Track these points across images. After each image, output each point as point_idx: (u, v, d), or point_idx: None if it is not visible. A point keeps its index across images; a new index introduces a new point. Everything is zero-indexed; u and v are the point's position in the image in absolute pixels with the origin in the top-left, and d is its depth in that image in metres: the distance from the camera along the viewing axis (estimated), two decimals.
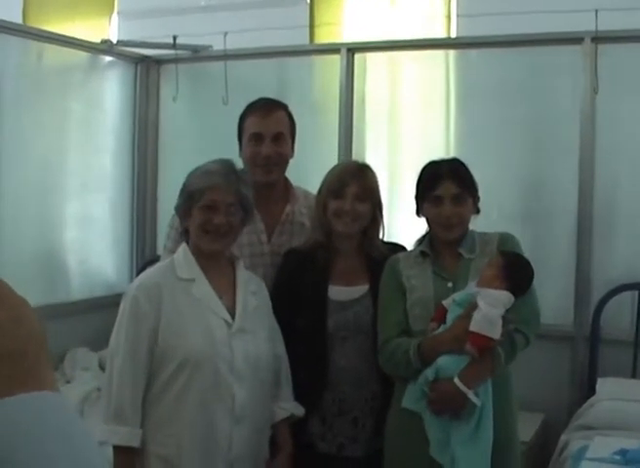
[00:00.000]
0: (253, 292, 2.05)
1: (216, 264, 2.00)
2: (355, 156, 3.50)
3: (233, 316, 1.97)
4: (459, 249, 2.06)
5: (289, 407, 2.11)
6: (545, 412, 3.15)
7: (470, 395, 1.86)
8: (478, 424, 1.88)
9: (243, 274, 2.07)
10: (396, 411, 2.03)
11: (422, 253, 2.09)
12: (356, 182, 2.15)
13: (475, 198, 2.09)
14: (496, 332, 1.85)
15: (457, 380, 1.87)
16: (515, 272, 1.93)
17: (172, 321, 1.90)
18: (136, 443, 1.88)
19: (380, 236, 2.27)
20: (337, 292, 2.19)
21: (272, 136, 2.22)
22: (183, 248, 2.01)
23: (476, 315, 1.85)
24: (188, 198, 1.96)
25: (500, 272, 1.91)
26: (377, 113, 3.61)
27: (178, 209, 2.03)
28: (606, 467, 2.29)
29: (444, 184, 2.02)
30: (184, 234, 2.04)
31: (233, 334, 1.95)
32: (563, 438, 2.75)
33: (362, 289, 2.20)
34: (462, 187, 2.03)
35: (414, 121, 3.56)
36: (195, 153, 3.59)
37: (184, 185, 2.01)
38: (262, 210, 2.26)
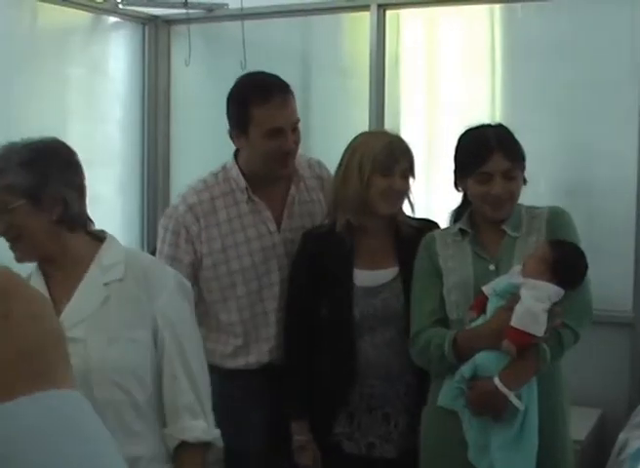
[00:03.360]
0: (106, 282, 1.70)
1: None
2: (388, 125, 3.49)
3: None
4: (503, 226, 2.03)
5: (193, 430, 1.71)
6: (603, 408, 3.15)
7: (512, 397, 1.85)
8: (521, 428, 1.87)
9: (95, 267, 1.72)
10: (432, 409, 2.03)
11: (461, 231, 2.07)
12: (405, 158, 2.15)
13: (523, 168, 2.06)
14: (539, 329, 1.83)
15: (497, 380, 1.85)
16: (567, 267, 1.91)
17: None
18: None
19: (410, 212, 2.28)
20: (363, 276, 2.18)
21: (292, 127, 2.22)
22: None
23: (518, 309, 1.84)
24: None
25: (549, 266, 1.88)
26: (412, 77, 3.60)
27: None
28: None
29: (493, 159, 1.97)
30: None
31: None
32: (622, 436, 2.69)
33: (391, 272, 2.19)
34: (513, 160, 2.00)
35: (454, 85, 3.53)
36: (210, 123, 3.68)
37: None
38: (265, 195, 2.27)
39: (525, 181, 2.05)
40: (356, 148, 2.17)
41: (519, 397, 1.86)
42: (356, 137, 2.24)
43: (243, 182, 2.26)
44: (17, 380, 0.49)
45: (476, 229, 2.06)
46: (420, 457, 2.09)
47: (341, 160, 2.20)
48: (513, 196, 2.01)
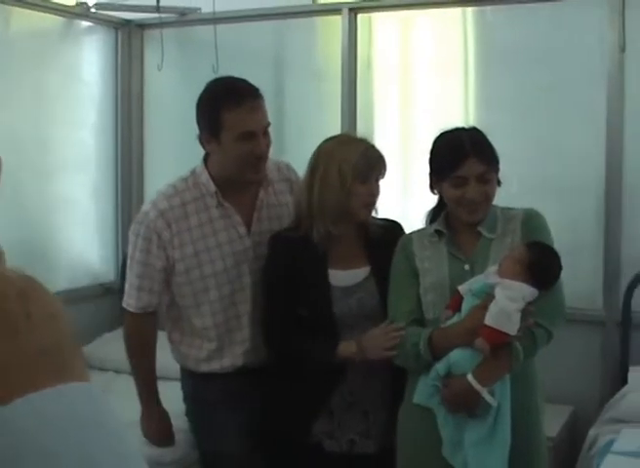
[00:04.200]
0: None
1: None
2: (361, 128, 3.53)
3: None
4: (479, 227, 2.05)
5: None
6: (574, 405, 3.21)
7: (485, 394, 1.87)
8: (494, 425, 1.90)
9: None
10: (408, 406, 2.05)
11: (438, 232, 2.08)
12: (380, 165, 2.19)
13: (498, 171, 2.08)
14: (512, 328, 1.85)
15: (470, 377, 1.88)
16: (542, 268, 1.93)
17: None
18: None
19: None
20: (337, 277, 2.20)
21: (263, 131, 2.23)
22: None
23: (492, 308, 1.86)
24: None
25: (524, 267, 1.90)
26: (385, 80, 3.62)
27: None
28: (632, 461, 2.35)
29: (468, 163, 1.98)
30: None
31: None
32: (592, 432, 2.79)
33: (363, 271, 2.22)
34: (488, 164, 2.01)
35: (427, 88, 3.56)
36: (184, 127, 3.56)
37: None
38: (234, 200, 2.29)
39: (499, 183, 2.06)
40: (331, 157, 2.16)
41: (492, 394, 1.88)
42: (322, 145, 2.24)
43: (212, 187, 2.27)
44: (40, 374, 0.52)
45: (452, 230, 2.08)
46: (397, 454, 2.11)
47: (313, 167, 2.19)
48: (488, 199, 2.03)
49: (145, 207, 2.33)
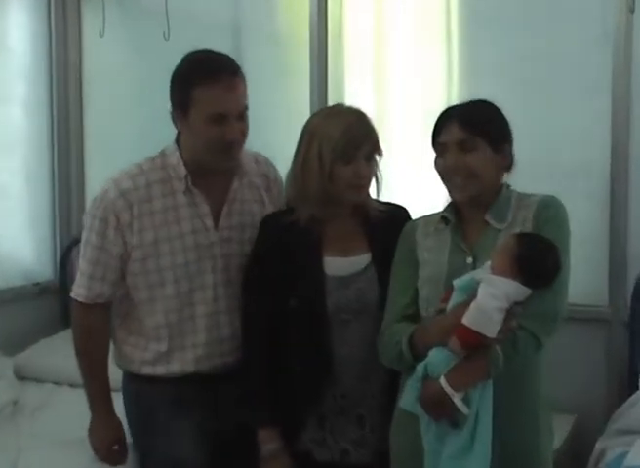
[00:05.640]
0: None
1: None
2: (332, 100, 3.46)
3: None
4: (486, 215, 2.02)
5: None
6: (577, 413, 3.14)
7: (456, 399, 1.84)
8: (472, 436, 1.87)
9: None
10: (399, 411, 2.04)
11: (444, 219, 2.06)
12: (368, 140, 2.15)
13: (502, 148, 2.02)
14: (490, 330, 1.82)
15: (442, 380, 1.85)
16: (532, 263, 1.88)
17: None
18: None
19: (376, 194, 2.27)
20: (334, 264, 2.18)
21: (238, 115, 2.20)
22: None
23: (472, 305, 1.84)
24: None
25: (513, 261, 1.87)
26: (358, 48, 3.57)
27: None
28: None
29: (448, 127, 1.99)
30: None
31: None
32: (599, 445, 2.72)
33: (363, 259, 2.20)
34: (472, 131, 1.97)
35: (405, 56, 3.50)
36: (132, 101, 3.71)
37: None
38: (204, 188, 2.27)
39: (510, 167, 2.04)
40: (313, 135, 2.16)
41: (468, 401, 1.85)
42: (311, 119, 2.25)
43: (183, 170, 2.25)
44: None
45: (459, 217, 2.05)
46: (390, 460, 2.12)
47: (298, 146, 2.21)
48: (471, 171, 1.97)
49: (106, 185, 2.28)
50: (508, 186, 2.04)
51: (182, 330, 2.29)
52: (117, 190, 2.23)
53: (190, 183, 2.25)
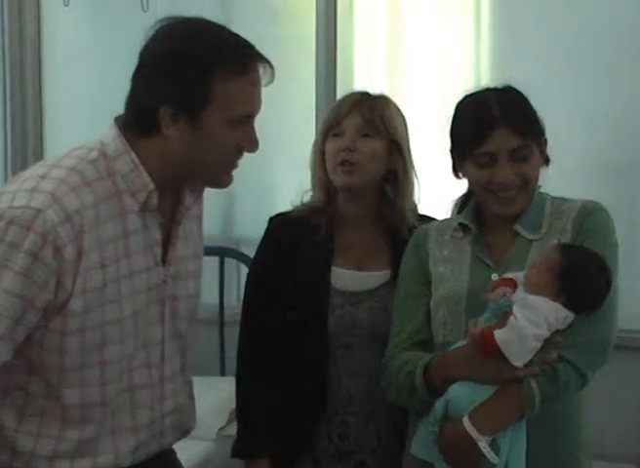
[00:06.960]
0: None
1: None
2: (340, 81, 3.43)
3: None
4: (516, 224, 1.94)
5: None
6: (637, 463, 3.01)
7: (482, 444, 1.74)
8: None
9: None
10: (409, 457, 1.93)
11: (463, 227, 1.98)
12: (357, 111, 2.09)
13: (542, 144, 1.95)
14: (519, 358, 1.75)
15: (466, 421, 1.76)
16: (578, 282, 1.81)
17: None
18: None
19: (415, 201, 2.21)
20: (344, 278, 2.14)
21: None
22: None
23: (509, 323, 1.76)
24: None
25: (554, 280, 1.79)
26: (371, 25, 3.51)
27: None
28: None
29: (496, 134, 1.87)
30: None
31: None
32: None
33: (381, 275, 2.15)
34: (524, 135, 1.89)
35: (425, 34, 3.43)
36: (100, 84, 3.62)
37: None
38: (160, 207, 1.88)
39: (547, 162, 1.96)
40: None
41: (496, 447, 1.76)
42: None
43: (146, 182, 1.79)
44: None
45: (482, 226, 1.97)
46: None
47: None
48: (527, 183, 1.90)
49: (32, 197, 1.72)
50: (540, 187, 1.95)
51: (118, 407, 1.88)
52: (59, 209, 1.70)
53: (156, 201, 1.83)
